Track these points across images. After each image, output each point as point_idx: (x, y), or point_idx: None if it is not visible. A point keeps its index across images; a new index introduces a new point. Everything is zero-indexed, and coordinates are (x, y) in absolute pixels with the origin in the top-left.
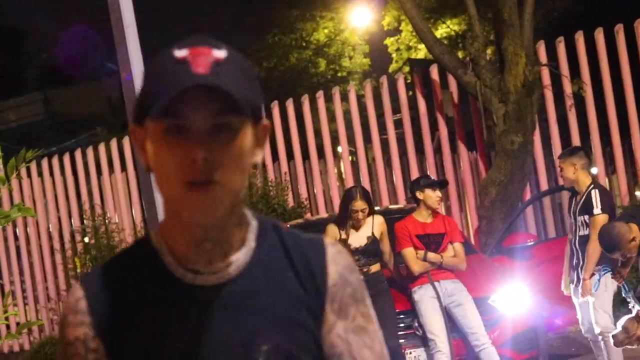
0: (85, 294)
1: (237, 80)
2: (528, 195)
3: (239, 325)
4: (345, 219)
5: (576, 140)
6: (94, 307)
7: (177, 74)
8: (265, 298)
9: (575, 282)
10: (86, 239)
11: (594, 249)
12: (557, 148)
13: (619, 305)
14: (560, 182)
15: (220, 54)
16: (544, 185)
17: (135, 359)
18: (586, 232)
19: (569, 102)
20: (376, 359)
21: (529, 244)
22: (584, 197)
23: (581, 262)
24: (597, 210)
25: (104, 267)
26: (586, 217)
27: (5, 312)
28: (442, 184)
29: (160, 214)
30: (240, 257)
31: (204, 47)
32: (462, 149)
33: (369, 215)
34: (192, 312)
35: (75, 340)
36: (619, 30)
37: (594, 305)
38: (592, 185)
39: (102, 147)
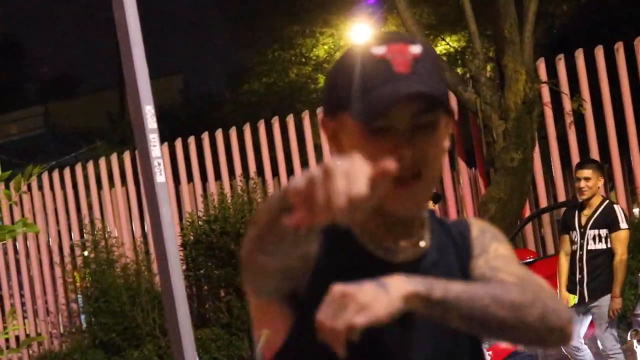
0: None
1: (433, 75)
2: (527, 212)
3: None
4: None
5: (575, 158)
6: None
7: (380, 75)
8: (445, 275)
9: (579, 299)
10: (86, 253)
11: (623, 263)
12: (556, 165)
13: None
14: (561, 198)
15: (417, 49)
16: (543, 202)
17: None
18: (599, 247)
19: (569, 119)
20: (523, 273)
21: (529, 260)
22: (600, 210)
23: (586, 278)
24: (623, 224)
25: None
26: (603, 231)
27: (5, 328)
28: (435, 199)
29: (167, 230)
30: (423, 238)
31: (401, 44)
32: (462, 165)
33: None
34: None
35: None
36: (619, 48)
37: (608, 325)
38: (607, 200)
39: (102, 161)
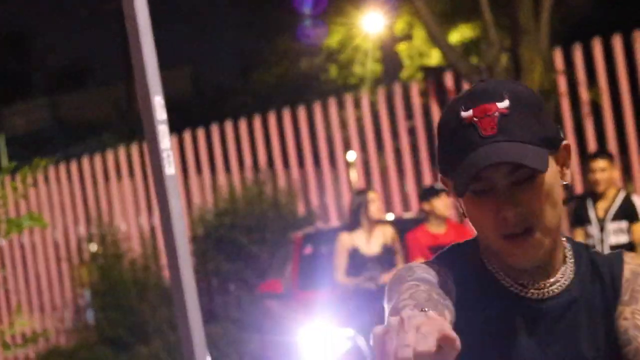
0: (426, 265)
1: (524, 127)
2: None
3: (566, 344)
4: (357, 225)
5: (592, 148)
6: (438, 274)
7: (469, 143)
8: (583, 318)
9: None
10: (93, 247)
11: None
12: (573, 155)
13: None
14: (578, 189)
15: (503, 104)
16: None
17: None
18: (621, 240)
19: (586, 109)
20: None
21: None
22: (619, 202)
23: None
24: None
25: (440, 258)
26: (623, 223)
27: (11, 324)
28: (445, 191)
29: (177, 223)
30: (562, 276)
31: (487, 104)
32: None
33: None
34: (522, 323)
35: (425, 274)
36: (637, 37)
37: None
38: (624, 191)
39: (109, 154)
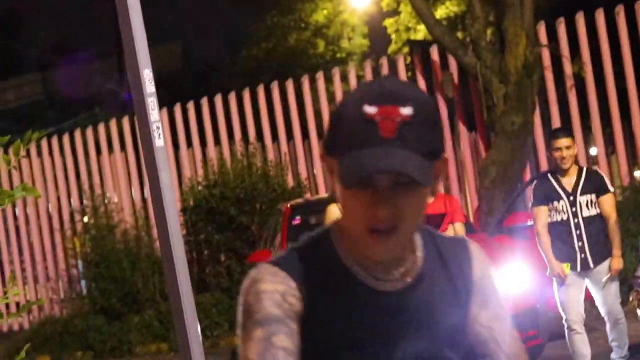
0: (276, 268)
1: (419, 137)
2: (528, 175)
3: (420, 335)
4: None
5: (576, 121)
6: (288, 278)
7: (366, 139)
8: (436, 306)
9: (581, 266)
10: (85, 219)
11: (617, 224)
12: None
13: None
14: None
15: (407, 111)
16: (544, 165)
17: (325, 350)
18: (592, 212)
19: (569, 82)
20: (514, 341)
21: (529, 223)
22: (585, 176)
23: (587, 244)
24: (611, 187)
25: (290, 255)
26: (592, 196)
27: (5, 292)
28: None
29: (167, 194)
30: (413, 267)
31: (392, 107)
32: (462, 129)
33: None
34: (378, 316)
35: (272, 292)
36: (620, 12)
37: (615, 288)
38: (584, 166)
39: (101, 127)
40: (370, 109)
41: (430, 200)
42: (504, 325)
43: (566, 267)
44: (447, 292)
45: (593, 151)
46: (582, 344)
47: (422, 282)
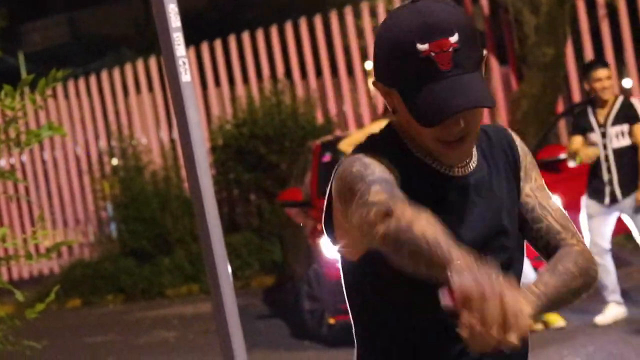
0: (369, 156)
1: (470, 58)
2: (561, 108)
3: (488, 205)
4: None
5: (609, 52)
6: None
7: (427, 74)
8: (492, 184)
9: (610, 199)
10: (114, 161)
11: None
12: (589, 60)
13: None
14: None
15: (454, 39)
16: (577, 98)
17: None
18: (623, 144)
19: (602, 12)
20: (558, 206)
21: (562, 156)
22: (618, 106)
23: (616, 176)
24: None
25: (364, 149)
26: (624, 126)
27: (34, 232)
28: None
29: (194, 132)
30: (472, 155)
31: (441, 40)
32: (494, 62)
33: None
34: (454, 197)
35: (375, 163)
36: None
37: None
38: (621, 96)
39: (128, 68)
40: (423, 47)
41: None
42: (547, 194)
43: (578, 158)
44: (500, 172)
45: (626, 83)
46: (605, 274)
47: (481, 167)
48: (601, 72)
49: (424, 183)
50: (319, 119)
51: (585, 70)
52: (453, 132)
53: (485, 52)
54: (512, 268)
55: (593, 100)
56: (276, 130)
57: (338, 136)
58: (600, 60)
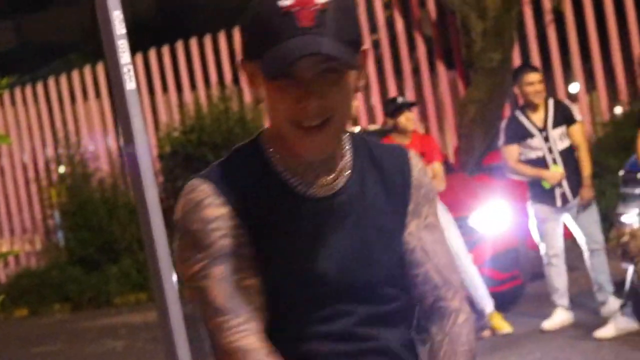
0: (214, 188)
1: (339, 25)
2: (508, 113)
3: (356, 233)
4: None
5: (555, 57)
6: (227, 199)
7: (285, 31)
8: (366, 209)
9: (561, 202)
10: (61, 168)
11: (588, 152)
12: (536, 65)
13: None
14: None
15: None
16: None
17: (269, 260)
18: (565, 144)
19: (548, 17)
20: (445, 253)
21: None
22: (553, 108)
23: (564, 178)
24: (578, 116)
25: (220, 168)
26: (563, 128)
27: None
28: (407, 106)
29: (139, 139)
30: (343, 171)
31: None
32: (441, 68)
33: None
34: (313, 221)
35: (217, 218)
36: None
37: (594, 217)
38: (550, 98)
39: (75, 74)
40: (285, 2)
41: (408, 141)
42: (436, 236)
43: (545, 183)
44: (380, 197)
45: (572, 88)
46: (557, 276)
47: (353, 187)
48: (532, 76)
49: (281, 205)
50: (267, 124)
51: (515, 74)
52: (309, 109)
53: (366, 49)
54: (398, 324)
55: (523, 106)
56: (224, 137)
57: None
58: (529, 64)
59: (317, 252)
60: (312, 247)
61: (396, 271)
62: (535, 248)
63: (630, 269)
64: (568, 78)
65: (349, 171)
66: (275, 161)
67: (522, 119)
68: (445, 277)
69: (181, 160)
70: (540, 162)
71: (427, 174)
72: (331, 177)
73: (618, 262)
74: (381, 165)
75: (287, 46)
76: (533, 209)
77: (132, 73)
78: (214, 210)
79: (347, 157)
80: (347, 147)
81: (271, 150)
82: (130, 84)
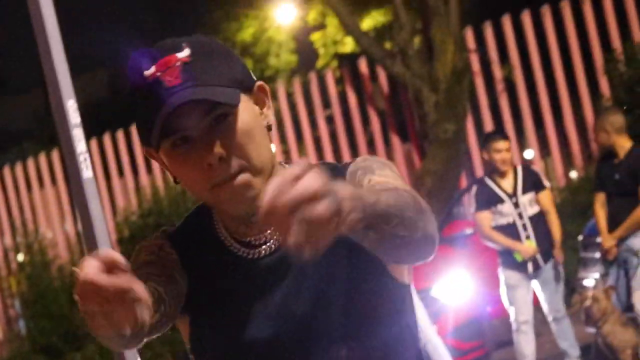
0: (168, 237)
1: (210, 72)
2: (464, 183)
3: (297, 297)
4: None
5: (509, 125)
6: (176, 250)
7: (154, 96)
8: (322, 264)
9: (533, 267)
10: (20, 257)
11: (557, 218)
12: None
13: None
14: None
15: (184, 54)
16: (480, 172)
17: (204, 328)
18: (535, 210)
19: (500, 86)
20: (388, 174)
21: (468, 232)
22: (522, 175)
23: (535, 244)
24: (547, 182)
25: (176, 228)
26: (532, 194)
27: None
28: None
29: (98, 226)
30: None
31: (167, 57)
32: (395, 140)
33: None
34: (249, 286)
35: (153, 244)
36: (546, 12)
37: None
38: (518, 165)
39: (30, 162)
40: (148, 71)
41: None
42: (374, 166)
43: (517, 256)
44: (337, 245)
45: (527, 154)
46: (526, 344)
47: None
48: (501, 144)
49: (221, 268)
50: None
51: (485, 140)
52: (214, 166)
53: (260, 84)
54: None
55: (490, 172)
56: (182, 219)
57: None
58: (499, 131)
59: (245, 317)
60: (240, 312)
61: (367, 320)
62: (499, 316)
63: (595, 333)
64: (522, 145)
65: None
66: (218, 223)
67: (492, 185)
68: (393, 184)
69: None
70: (511, 228)
71: (367, 159)
72: (269, 232)
73: (582, 327)
74: None
75: (163, 110)
76: (504, 275)
77: (88, 162)
78: (149, 241)
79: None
80: None
81: (214, 212)
82: (87, 172)
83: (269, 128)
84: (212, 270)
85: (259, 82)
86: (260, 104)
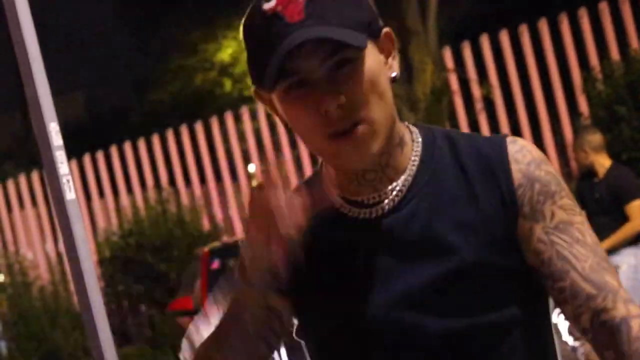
0: None
1: (336, 10)
2: None
3: (416, 259)
4: None
5: None
6: None
7: (274, 32)
8: (433, 227)
9: None
10: (1, 278)
11: None
12: None
13: None
14: None
15: None
16: None
17: (316, 295)
18: None
19: (479, 105)
20: (591, 252)
21: None
22: None
23: None
24: None
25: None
26: None
27: None
28: None
29: (81, 248)
30: (404, 180)
31: None
32: None
33: None
34: (360, 249)
35: None
36: (524, 31)
37: None
38: None
39: (10, 183)
40: (268, 5)
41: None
42: (572, 235)
43: None
44: (462, 212)
45: None
46: None
47: (415, 199)
48: None
49: (335, 233)
50: (206, 225)
51: None
52: (330, 113)
53: (387, 31)
54: None
55: None
56: (163, 239)
57: (226, 242)
58: None
59: (360, 289)
60: (363, 280)
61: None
62: None
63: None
64: None
65: (412, 179)
66: (329, 188)
67: None
68: (597, 282)
69: (121, 264)
70: None
71: (541, 164)
72: (389, 188)
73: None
74: (464, 163)
75: (282, 48)
76: None
77: (71, 183)
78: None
79: (413, 163)
80: (415, 149)
81: (326, 176)
82: (70, 194)
83: (392, 80)
84: (321, 234)
85: (386, 29)
86: (386, 52)
